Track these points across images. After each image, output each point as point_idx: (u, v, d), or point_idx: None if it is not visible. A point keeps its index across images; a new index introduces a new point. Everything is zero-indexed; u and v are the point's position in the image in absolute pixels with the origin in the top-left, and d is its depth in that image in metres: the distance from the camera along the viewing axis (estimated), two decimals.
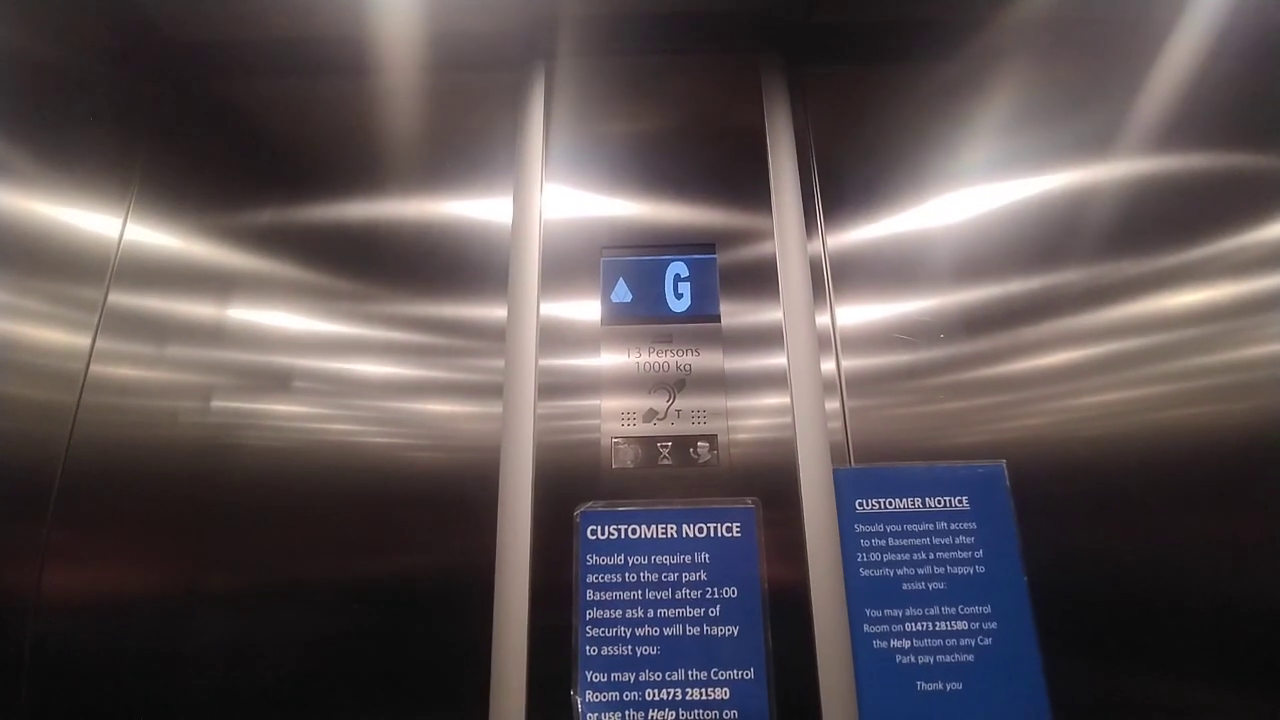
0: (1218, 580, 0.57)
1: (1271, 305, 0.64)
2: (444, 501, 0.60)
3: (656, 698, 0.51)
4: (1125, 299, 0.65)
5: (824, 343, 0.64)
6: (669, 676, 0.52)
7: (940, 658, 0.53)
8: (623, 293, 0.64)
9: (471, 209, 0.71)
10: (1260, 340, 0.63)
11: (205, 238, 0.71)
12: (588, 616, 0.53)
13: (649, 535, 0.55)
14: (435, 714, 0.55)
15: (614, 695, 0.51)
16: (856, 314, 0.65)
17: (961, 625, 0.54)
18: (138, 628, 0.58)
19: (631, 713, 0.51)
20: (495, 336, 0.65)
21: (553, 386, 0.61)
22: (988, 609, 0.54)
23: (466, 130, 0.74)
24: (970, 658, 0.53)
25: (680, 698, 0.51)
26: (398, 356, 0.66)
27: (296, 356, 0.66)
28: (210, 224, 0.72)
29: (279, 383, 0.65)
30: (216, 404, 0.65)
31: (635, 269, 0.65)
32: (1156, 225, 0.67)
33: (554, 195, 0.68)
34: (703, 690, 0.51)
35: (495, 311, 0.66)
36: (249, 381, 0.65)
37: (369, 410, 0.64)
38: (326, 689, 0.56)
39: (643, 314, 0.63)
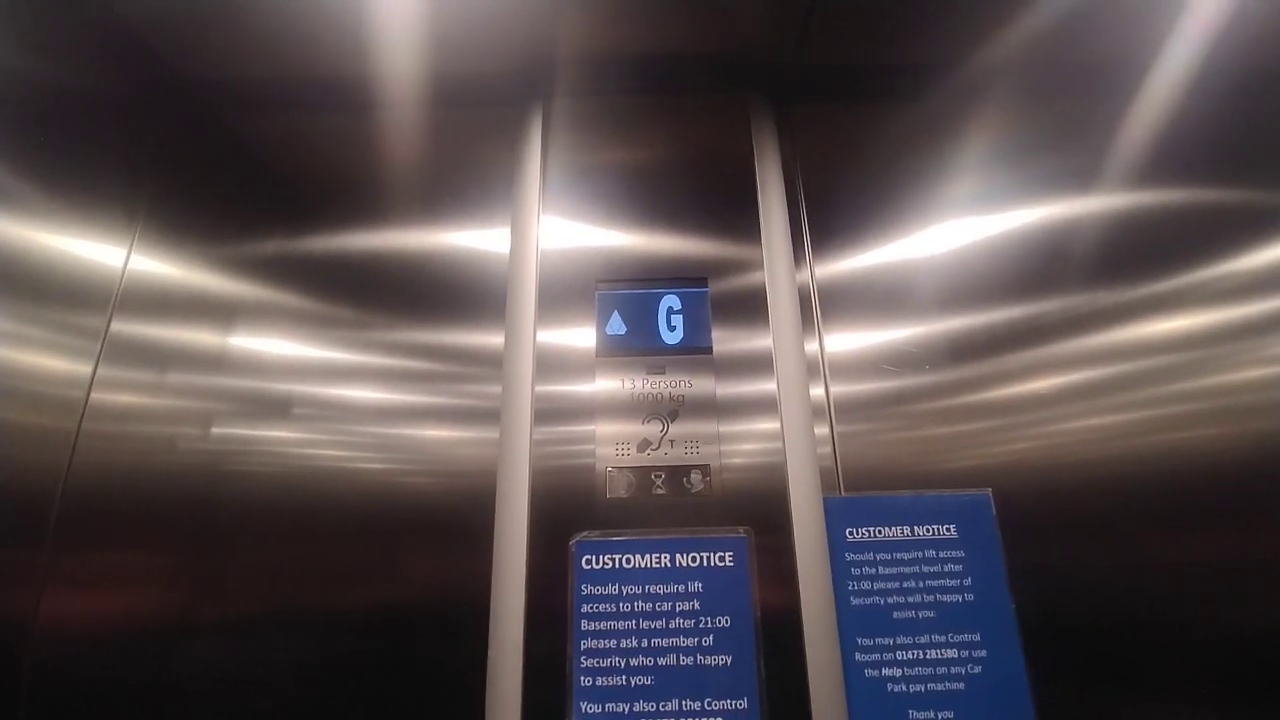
0: (1204, 603, 0.58)
1: (1249, 332, 0.66)
2: (441, 527, 0.61)
3: None
4: (1105, 327, 0.67)
5: (813, 371, 0.65)
6: (663, 707, 0.52)
7: (931, 686, 0.54)
8: (617, 325, 0.65)
9: (470, 239, 0.73)
10: (1240, 366, 0.65)
11: (209, 268, 0.73)
12: (582, 646, 0.53)
13: (643, 565, 0.56)
14: None
15: None
16: (844, 342, 0.67)
17: (952, 653, 0.55)
18: (136, 653, 0.58)
19: None
20: (492, 363, 0.66)
21: (548, 413, 0.62)
22: (977, 637, 0.55)
23: (466, 165, 0.76)
24: (961, 686, 0.54)
25: None
26: (397, 383, 0.67)
27: (297, 383, 0.67)
28: (214, 254, 0.73)
29: (279, 409, 0.66)
30: (216, 431, 0.65)
31: (629, 302, 0.66)
32: (1135, 256, 0.70)
33: (550, 228, 0.70)
34: None
35: (492, 339, 0.67)
36: (249, 408, 0.66)
37: (368, 436, 0.65)
38: (324, 715, 0.56)
39: (637, 346, 0.64)
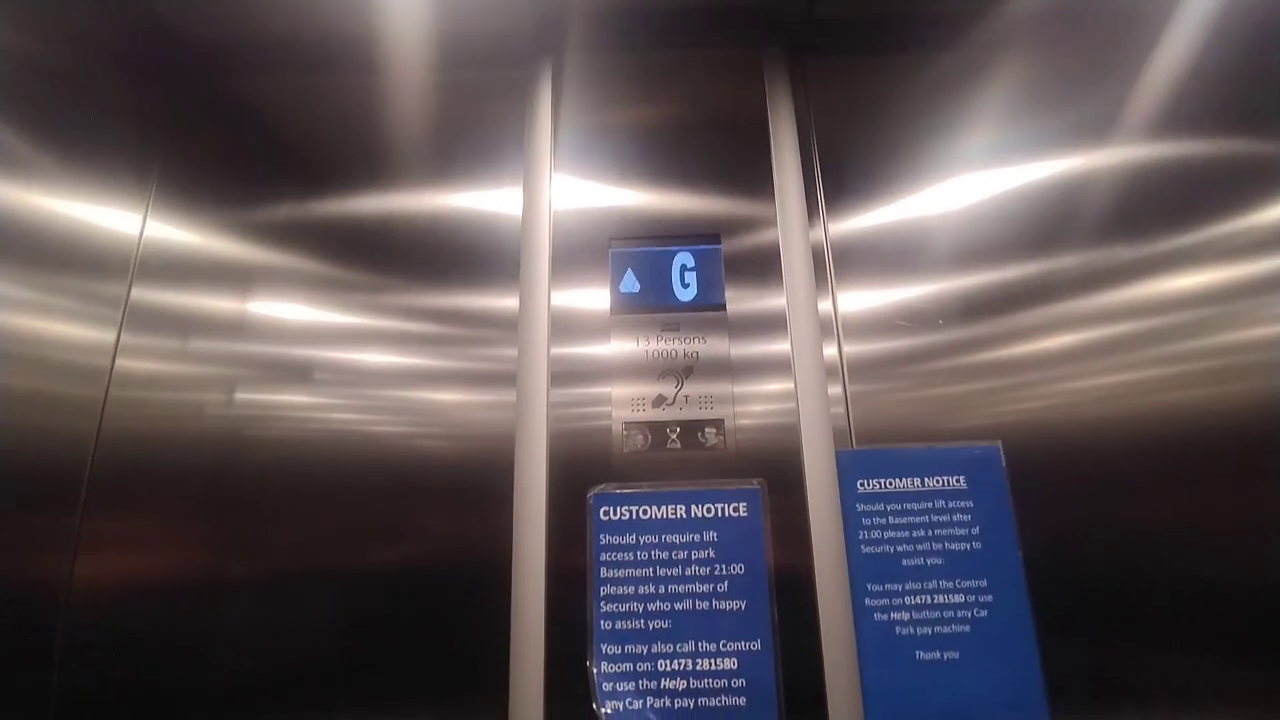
0: (1203, 556, 0.59)
1: (1264, 289, 0.65)
2: (462, 487, 0.62)
3: (668, 668, 0.54)
4: (1120, 284, 0.66)
5: (826, 328, 0.65)
6: (680, 648, 0.54)
7: (938, 629, 0.56)
8: (631, 283, 0.66)
9: (482, 201, 0.72)
10: (1253, 323, 0.64)
11: (223, 233, 0.73)
12: (602, 593, 0.56)
13: (659, 516, 0.58)
14: (458, 685, 0.58)
15: (628, 666, 0.54)
16: (857, 300, 0.67)
17: (958, 598, 0.56)
18: (166, 616, 0.60)
19: (645, 682, 0.54)
20: (507, 326, 0.66)
21: (565, 374, 0.63)
22: (984, 583, 0.57)
23: (477, 125, 0.75)
24: (966, 629, 0.55)
25: (691, 668, 0.54)
26: (414, 347, 0.67)
27: (316, 348, 0.68)
28: (228, 219, 0.73)
29: (300, 374, 0.67)
30: (240, 396, 0.66)
31: (643, 260, 0.66)
32: (1152, 210, 0.68)
33: (563, 187, 0.69)
34: (712, 661, 0.54)
35: (507, 301, 0.67)
36: (270, 373, 0.67)
37: (387, 400, 0.66)
38: (353, 671, 0.58)
39: (651, 304, 0.65)
